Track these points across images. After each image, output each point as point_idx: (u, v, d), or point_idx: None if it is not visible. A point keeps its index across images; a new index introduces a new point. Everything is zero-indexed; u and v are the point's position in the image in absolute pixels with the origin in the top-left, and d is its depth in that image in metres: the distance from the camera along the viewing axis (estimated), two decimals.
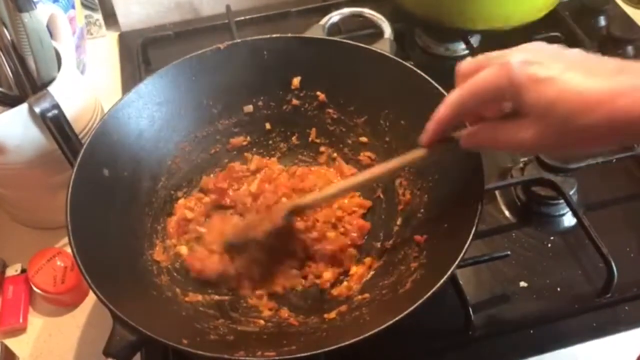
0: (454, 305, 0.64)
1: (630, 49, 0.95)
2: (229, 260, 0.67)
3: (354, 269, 0.68)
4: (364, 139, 0.76)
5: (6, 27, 0.66)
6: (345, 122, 0.77)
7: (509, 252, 0.69)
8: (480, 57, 0.50)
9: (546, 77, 0.44)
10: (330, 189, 0.65)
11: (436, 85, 0.66)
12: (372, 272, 0.67)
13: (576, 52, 0.46)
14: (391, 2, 0.97)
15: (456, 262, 0.53)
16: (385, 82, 0.70)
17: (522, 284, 0.69)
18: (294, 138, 0.79)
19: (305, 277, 0.68)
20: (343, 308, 0.63)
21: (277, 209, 0.67)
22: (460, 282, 0.65)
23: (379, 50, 0.71)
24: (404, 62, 0.68)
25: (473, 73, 0.48)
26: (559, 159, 0.51)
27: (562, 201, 0.74)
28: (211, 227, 0.72)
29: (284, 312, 0.65)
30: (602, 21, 1.01)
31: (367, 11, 0.92)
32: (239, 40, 0.73)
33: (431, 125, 0.53)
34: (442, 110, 0.51)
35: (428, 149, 0.55)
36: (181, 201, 0.74)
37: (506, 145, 0.50)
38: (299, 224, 0.69)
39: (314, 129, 0.79)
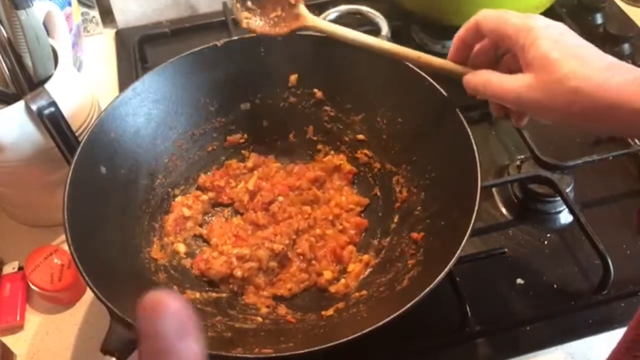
0: (451, 302, 0.64)
1: (626, 46, 0.95)
2: (236, 264, 0.66)
3: (351, 267, 0.68)
4: (361, 137, 0.76)
5: (2, 25, 0.66)
6: (342, 119, 0.77)
7: (505, 250, 0.69)
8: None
9: (559, 40, 0.50)
10: (354, 33, 0.62)
11: (433, 82, 0.66)
12: (369, 270, 0.67)
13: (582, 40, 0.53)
14: None
15: (453, 260, 0.53)
16: (382, 80, 0.70)
17: (519, 281, 0.69)
18: (291, 136, 0.80)
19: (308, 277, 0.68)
20: (340, 305, 0.63)
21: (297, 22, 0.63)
22: (457, 279, 0.65)
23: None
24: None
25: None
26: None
27: (558, 198, 0.74)
28: (213, 228, 0.72)
29: (282, 309, 0.65)
30: (599, 19, 1.01)
31: (364, 8, 0.93)
32: (235, 38, 0.73)
33: (454, 42, 0.60)
34: (462, 28, 0.58)
35: (454, 64, 0.60)
36: (179, 199, 0.74)
37: (495, 90, 0.54)
38: (302, 223, 0.69)
39: (311, 127, 0.79)
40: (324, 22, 0.64)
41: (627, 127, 0.48)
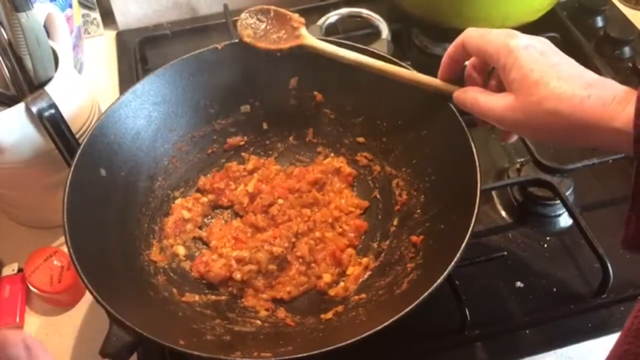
0: (450, 305, 0.64)
1: (627, 49, 0.95)
2: (235, 267, 0.66)
3: (350, 270, 0.68)
4: (360, 139, 0.76)
5: (3, 27, 0.66)
6: (342, 122, 0.77)
7: (505, 253, 0.69)
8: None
9: (539, 60, 0.51)
10: (347, 52, 0.66)
11: None
12: (368, 273, 0.67)
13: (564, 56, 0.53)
14: (389, 2, 0.97)
15: (452, 263, 0.53)
16: (382, 83, 0.70)
17: (518, 284, 0.69)
18: (291, 138, 0.80)
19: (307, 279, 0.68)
20: (339, 308, 0.63)
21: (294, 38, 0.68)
22: (456, 282, 0.65)
23: (376, 51, 0.71)
24: (400, 63, 0.68)
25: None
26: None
27: (558, 202, 0.74)
28: (213, 231, 0.72)
29: (281, 313, 0.65)
30: (600, 22, 1.01)
31: (364, 11, 0.92)
32: (236, 40, 0.73)
33: (443, 60, 0.61)
34: (451, 46, 0.60)
35: (443, 83, 0.63)
36: (178, 201, 0.74)
37: (481, 109, 0.56)
38: (301, 226, 0.69)
39: (311, 129, 0.79)
40: (321, 42, 0.68)
41: (607, 145, 0.49)
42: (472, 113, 0.58)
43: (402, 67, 0.66)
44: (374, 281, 0.65)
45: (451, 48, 0.60)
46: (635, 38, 0.96)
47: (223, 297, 0.66)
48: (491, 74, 0.60)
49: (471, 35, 0.57)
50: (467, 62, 0.61)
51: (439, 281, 0.52)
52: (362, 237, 0.72)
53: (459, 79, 0.62)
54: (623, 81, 0.50)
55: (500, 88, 0.57)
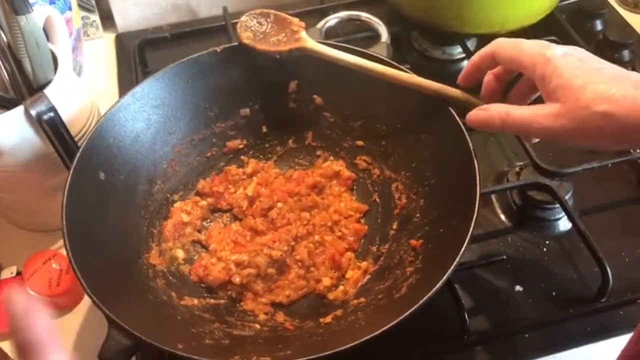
0: (449, 309, 0.64)
1: (626, 53, 0.95)
2: (235, 270, 0.66)
3: (349, 273, 0.68)
4: (360, 143, 0.76)
5: (2, 30, 0.66)
6: (341, 125, 0.77)
7: (504, 256, 0.69)
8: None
9: (579, 67, 0.50)
10: (346, 55, 0.66)
11: None
12: (368, 277, 0.67)
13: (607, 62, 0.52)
14: (388, 5, 0.97)
15: (452, 267, 0.53)
16: (382, 86, 0.70)
17: (518, 288, 0.69)
18: (290, 141, 0.80)
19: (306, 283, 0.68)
20: (339, 312, 0.63)
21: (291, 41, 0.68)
22: (456, 286, 0.65)
23: (375, 54, 0.71)
24: (400, 66, 0.68)
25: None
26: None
27: (557, 205, 0.74)
28: (212, 234, 0.72)
29: (280, 317, 0.65)
30: (599, 25, 1.01)
31: (364, 15, 0.93)
32: (235, 43, 0.73)
33: (466, 67, 0.60)
34: (477, 55, 0.59)
35: (443, 86, 0.62)
36: (177, 204, 0.74)
37: (517, 122, 0.53)
38: (301, 229, 0.69)
39: (310, 133, 0.79)
40: (320, 45, 0.68)
41: None
42: (498, 129, 0.54)
43: (401, 70, 0.66)
44: (373, 285, 0.65)
45: (477, 57, 0.59)
46: (635, 41, 0.96)
47: (222, 301, 0.66)
48: (512, 85, 0.59)
49: (503, 45, 0.55)
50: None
51: (438, 285, 0.52)
52: (362, 241, 0.72)
53: (477, 86, 0.61)
54: None
55: (521, 101, 0.56)
